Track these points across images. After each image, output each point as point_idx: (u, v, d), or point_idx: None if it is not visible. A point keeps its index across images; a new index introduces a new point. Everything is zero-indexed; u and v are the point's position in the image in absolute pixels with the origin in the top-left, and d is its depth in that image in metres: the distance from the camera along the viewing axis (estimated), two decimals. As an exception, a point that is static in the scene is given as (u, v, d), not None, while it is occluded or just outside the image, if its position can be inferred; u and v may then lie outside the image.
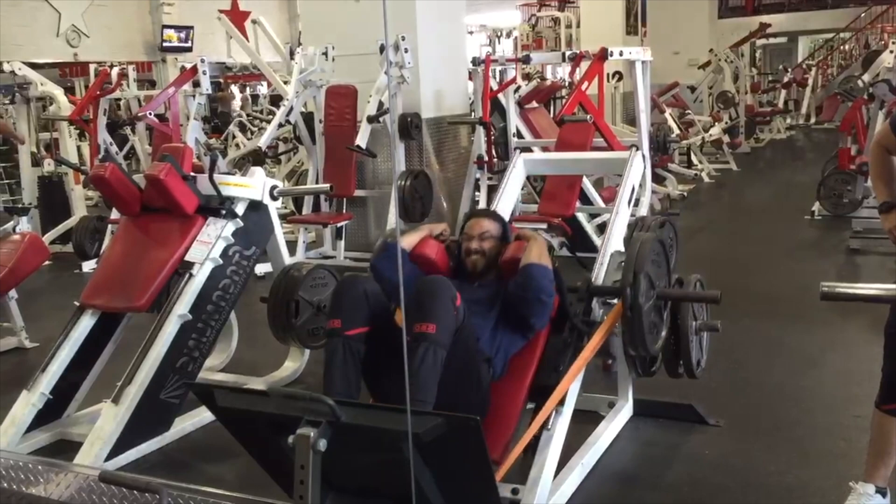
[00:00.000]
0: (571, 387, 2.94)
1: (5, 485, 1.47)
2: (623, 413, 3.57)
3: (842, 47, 21.88)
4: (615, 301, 3.11)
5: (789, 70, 17.20)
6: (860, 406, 3.52)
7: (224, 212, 3.73)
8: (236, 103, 15.01)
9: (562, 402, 2.88)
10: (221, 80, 12.10)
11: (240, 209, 3.79)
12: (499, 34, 18.29)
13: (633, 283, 2.93)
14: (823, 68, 20.81)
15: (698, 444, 3.39)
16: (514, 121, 6.89)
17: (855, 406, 3.60)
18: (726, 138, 11.99)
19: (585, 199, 6.56)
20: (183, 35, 14.01)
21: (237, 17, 10.48)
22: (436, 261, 3.25)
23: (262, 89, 14.95)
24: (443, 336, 2.61)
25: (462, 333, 2.73)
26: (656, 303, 3.09)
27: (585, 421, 3.38)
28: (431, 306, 2.63)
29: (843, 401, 3.75)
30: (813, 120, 17.81)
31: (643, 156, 3.86)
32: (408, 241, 3.24)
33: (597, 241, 6.34)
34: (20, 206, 7.37)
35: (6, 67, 8.09)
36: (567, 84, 11.42)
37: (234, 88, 15.54)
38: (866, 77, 8.53)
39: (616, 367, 3.75)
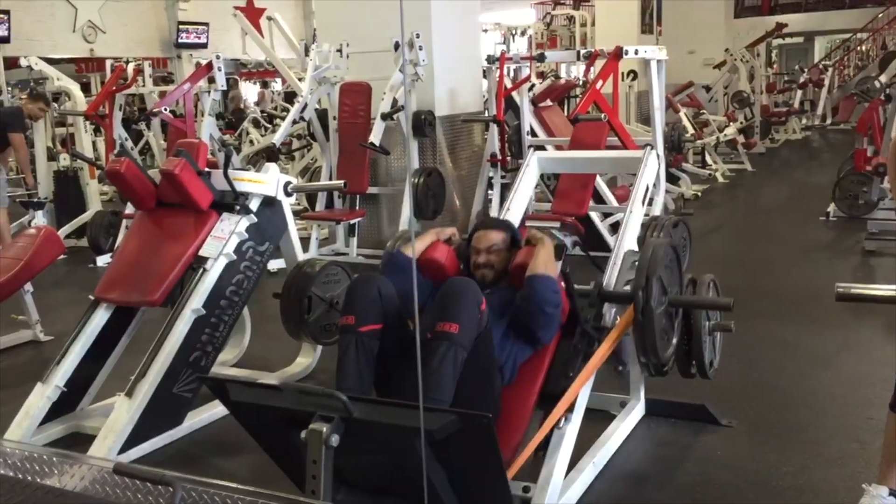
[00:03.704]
0: (581, 391, 2.94)
1: (20, 476, 1.47)
2: (635, 413, 3.57)
3: (859, 48, 21.73)
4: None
5: (805, 70, 17.09)
6: (874, 408, 3.51)
7: (238, 207, 3.75)
8: (250, 98, 15.05)
9: (571, 409, 2.86)
10: (237, 77, 12.11)
11: (254, 205, 3.81)
12: (513, 32, 18.23)
13: (645, 287, 2.89)
14: (840, 69, 20.68)
15: (710, 445, 3.38)
16: (528, 119, 6.88)
17: (868, 408, 3.59)
18: (741, 138, 11.94)
19: (599, 198, 6.55)
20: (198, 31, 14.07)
21: (252, 13, 10.51)
22: (445, 265, 3.20)
23: (277, 86, 14.98)
24: (465, 337, 2.59)
25: (484, 339, 2.71)
26: (668, 309, 3.07)
27: (597, 420, 3.38)
28: (456, 307, 2.61)
29: (856, 403, 3.73)
30: (829, 121, 17.71)
31: (657, 155, 3.84)
32: (415, 249, 3.18)
33: (610, 240, 6.32)
34: (36, 200, 7.42)
35: (23, 62, 8.13)
36: (581, 83, 11.40)
37: (248, 84, 15.60)
38: (883, 78, 8.47)
39: (628, 367, 3.75)
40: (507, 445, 2.75)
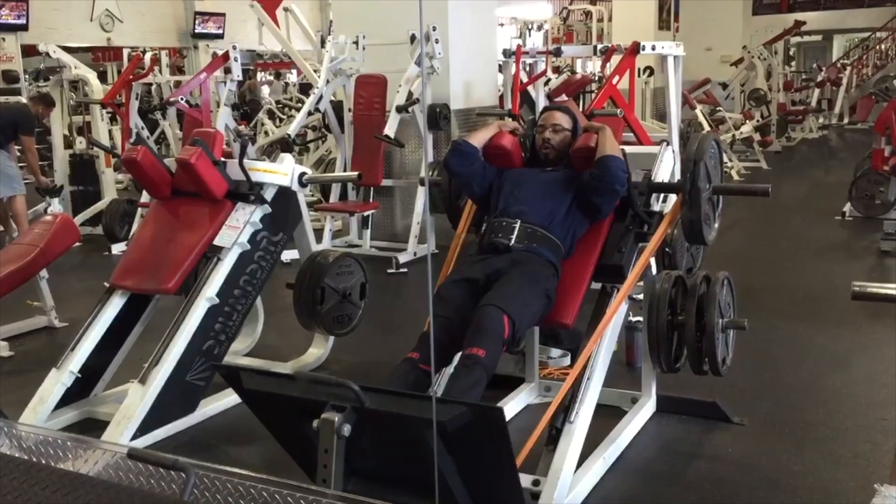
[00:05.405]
0: (595, 378, 2.95)
1: (35, 459, 1.49)
2: (646, 409, 3.56)
3: (877, 47, 21.56)
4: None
5: (823, 69, 16.97)
6: (886, 409, 3.50)
7: (253, 197, 3.75)
8: (265, 90, 15.05)
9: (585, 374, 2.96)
10: (252, 67, 12.12)
11: (268, 195, 3.81)
12: (529, 27, 18.18)
13: (694, 170, 3.13)
14: (858, 68, 20.51)
15: (722, 443, 3.38)
16: (544, 114, 6.86)
17: (881, 408, 3.57)
18: (757, 136, 11.88)
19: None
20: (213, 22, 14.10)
21: (269, 4, 10.51)
22: (511, 150, 3.49)
23: (292, 77, 15.00)
24: (490, 361, 2.79)
25: (534, 266, 3.08)
26: (710, 196, 3.30)
27: (608, 416, 3.38)
28: (485, 335, 2.83)
29: (869, 403, 3.71)
30: (846, 120, 17.59)
31: (673, 151, 3.84)
32: (479, 138, 3.48)
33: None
34: (52, 187, 7.46)
35: (41, 48, 8.16)
36: (597, 78, 11.36)
37: (265, 76, 15.60)
38: (902, 77, 8.40)
39: (640, 362, 3.75)
40: (570, 310, 3.13)
